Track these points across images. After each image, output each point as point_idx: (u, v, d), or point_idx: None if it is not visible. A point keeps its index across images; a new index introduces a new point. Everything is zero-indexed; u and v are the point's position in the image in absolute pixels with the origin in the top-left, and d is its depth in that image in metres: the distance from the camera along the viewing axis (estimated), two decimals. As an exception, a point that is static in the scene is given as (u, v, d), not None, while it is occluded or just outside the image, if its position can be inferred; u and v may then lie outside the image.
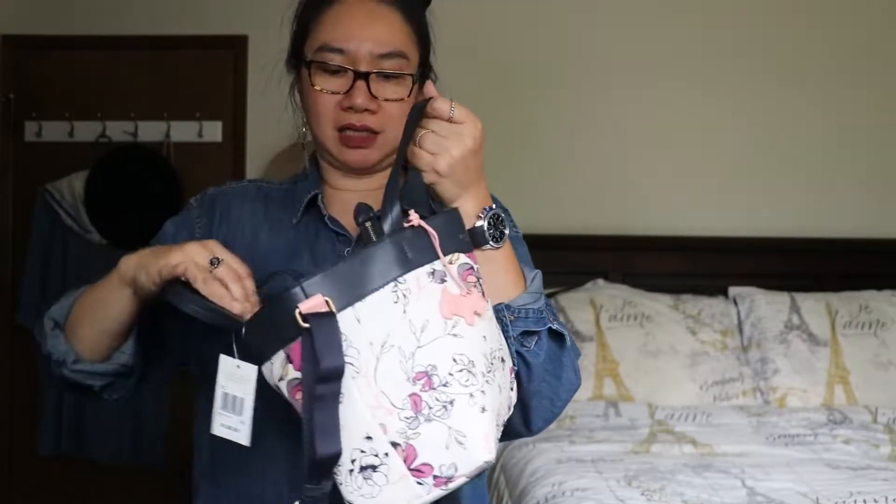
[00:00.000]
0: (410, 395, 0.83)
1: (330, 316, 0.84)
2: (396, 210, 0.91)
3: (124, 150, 3.47)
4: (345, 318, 0.85)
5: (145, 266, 1.02)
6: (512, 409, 0.96)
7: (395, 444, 0.83)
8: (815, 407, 2.78)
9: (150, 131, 3.50)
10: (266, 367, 0.89)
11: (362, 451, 0.84)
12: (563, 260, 3.15)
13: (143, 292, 1.04)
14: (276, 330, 0.87)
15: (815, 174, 3.37)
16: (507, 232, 1.04)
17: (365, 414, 0.84)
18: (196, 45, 3.50)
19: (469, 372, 0.85)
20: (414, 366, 0.84)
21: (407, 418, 0.83)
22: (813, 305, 3.01)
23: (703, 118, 3.39)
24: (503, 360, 0.93)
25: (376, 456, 0.83)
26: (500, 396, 0.90)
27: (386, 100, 1.15)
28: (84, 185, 3.45)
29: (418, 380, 0.83)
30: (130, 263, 1.05)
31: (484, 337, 0.89)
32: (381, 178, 1.21)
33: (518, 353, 1.04)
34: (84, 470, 3.49)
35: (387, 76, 1.15)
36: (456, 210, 0.98)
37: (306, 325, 0.83)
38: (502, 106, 3.33)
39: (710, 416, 2.69)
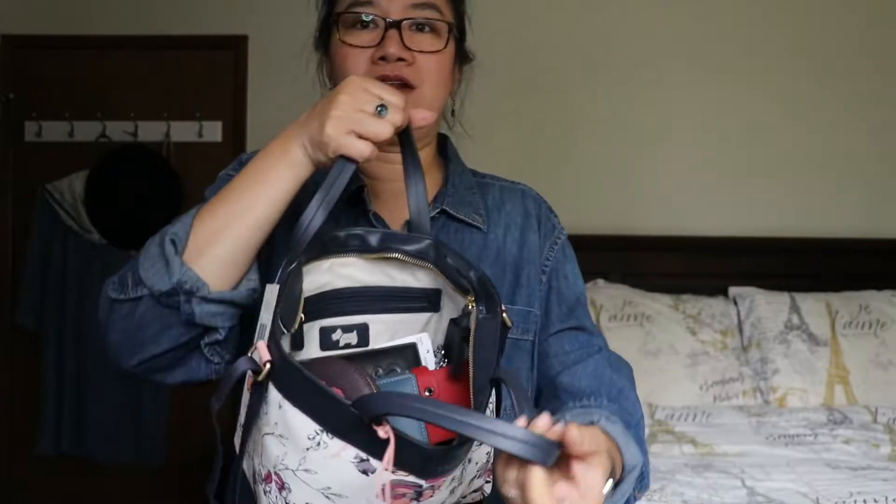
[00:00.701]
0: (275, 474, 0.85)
1: (248, 371, 0.83)
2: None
3: (124, 150, 3.48)
4: (272, 393, 0.82)
5: (317, 144, 0.92)
6: None
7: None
8: (815, 407, 2.79)
9: (150, 131, 3.51)
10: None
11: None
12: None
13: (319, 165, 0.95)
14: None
15: (815, 174, 3.37)
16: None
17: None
18: (196, 45, 3.50)
19: None
20: (282, 471, 0.84)
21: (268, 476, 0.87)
22: (813, 305, 3.01)
23: (704, 118, 3.39)
24: None
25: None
26: None
27: (420, 51, 1.09)
28: (84, 185, 3.45)
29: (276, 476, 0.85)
30: (297, 146, 0.94)
31: None
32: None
33: None
34: (84, 469, 3.50)
35: (420, 27, 1.10)
36: (463, 449, 0.82)
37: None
38: (499, 105, 3.34)
39: (710, 416, 2.69)
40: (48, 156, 3.53)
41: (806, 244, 3.30)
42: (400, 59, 1.08)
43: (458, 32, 1.16)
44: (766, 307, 3.02)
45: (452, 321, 0.98)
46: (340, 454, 0.81)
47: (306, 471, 0.82)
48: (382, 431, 0.79)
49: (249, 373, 0.84)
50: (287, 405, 0.82)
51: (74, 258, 3.48)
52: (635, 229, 3.34)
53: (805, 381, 2.86)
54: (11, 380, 3.57)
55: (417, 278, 0.99)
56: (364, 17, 1.09)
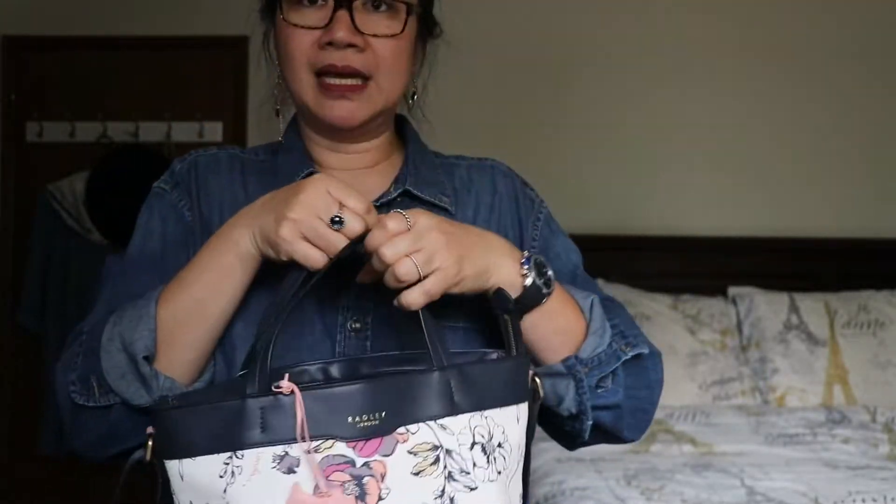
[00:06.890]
0: None
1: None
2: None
3: (125, 151, 3.49)
4: (171, 467, 0.79)
5: (269, 241, 0.86)
6: None
7: None
8: (813, 406, 2.79)
9: (150, 132, 3.52)
10: None
11: None
12: (563, 260, 3.15)
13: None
14: None
15: (815, 174, 3.37)
16: (551, 273, 0.91)
17: None
18: (197, 46, 3.51)
19: None
20: None
21: None
22: (812, 305, 3.02)
23: (703, 118, 3.39)
24: None
25: None
26: None
27: (374, 36, 0.95)
28: (85, 186, 3.46)
29: None
30: (247, 237, 0.88)
31: None
32: (377, 154, 1.05)
33: (595, 406, 0.93)
34: (86, 469, 3.50)
35: (375, 4, 0.95)
36: (361, 388, 0.78)
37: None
38: (500, 105, 3.34)
39: (710, 416, 2.70)
40: (49, 156, 3.54)
41: (805, 244, 3.31)
42: (350, 46, 0.94)
43: (422, 5, 1.01)
44: (765, 307, 3.03)
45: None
46: (258, 467, 0.74)
47: None
48: (284, 385, 0.74)
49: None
50: (189, 467, 0.76)
51: (76, 258, 3.49)
52: (634, 229, 3.34)
53: (804, 380, 2.87)
54: (13, 380, 3.58)
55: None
56: None
